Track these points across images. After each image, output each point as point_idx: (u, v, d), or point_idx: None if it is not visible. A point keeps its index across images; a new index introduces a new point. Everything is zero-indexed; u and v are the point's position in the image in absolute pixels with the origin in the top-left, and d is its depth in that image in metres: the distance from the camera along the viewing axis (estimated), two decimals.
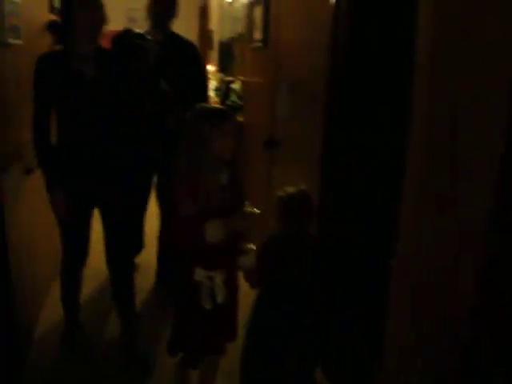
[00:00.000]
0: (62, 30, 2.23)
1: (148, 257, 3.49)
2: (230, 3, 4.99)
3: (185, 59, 2.94)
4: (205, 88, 3.18)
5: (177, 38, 2.98)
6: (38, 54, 2.80)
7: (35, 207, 2.65)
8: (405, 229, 1.56)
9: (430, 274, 1.42)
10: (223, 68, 5.32)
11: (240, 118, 3.81)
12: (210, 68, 5.31)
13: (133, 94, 2.36)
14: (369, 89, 2.24)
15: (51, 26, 2.21)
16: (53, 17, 3.33)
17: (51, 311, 2.90)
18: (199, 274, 1.86)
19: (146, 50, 2.34)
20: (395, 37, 2.18)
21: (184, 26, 3.47)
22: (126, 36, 2.45)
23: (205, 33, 6.85)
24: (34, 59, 2.70)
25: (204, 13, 7.11)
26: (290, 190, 2.01)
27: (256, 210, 1.87)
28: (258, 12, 3.62)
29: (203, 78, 3.13)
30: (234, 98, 4.15)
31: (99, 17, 2.21)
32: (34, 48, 2.75)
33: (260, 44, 3.56)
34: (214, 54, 5.95)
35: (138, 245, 3.44)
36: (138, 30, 2.57)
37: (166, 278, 3.29)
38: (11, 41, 2.16)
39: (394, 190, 2.12)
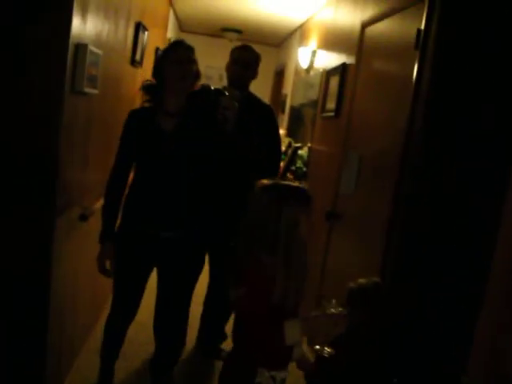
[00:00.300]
0: (154, 88, 2.28)
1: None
2: (305, 70, 5.03)
3: (261, 120, 2.87)
4: (279, 151, 3.06)
5: (254, 99, 2.94)
6: (111, 104, 2.89)
7: (83, 253, 2.61)
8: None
9: None
10: (292, 133, 5.31)
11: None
12: (280, 131, 5.31)
13: (211, 150, 2.30)
14: (443, 175, 2.09)
15: (145, 87, 2.30)
16: (134, 69, 3.46)
17: (86, 361, 2.79)
18: (263, 375, 1.63)
19: (225, 107, 2.32)
20: (477, 125, 2.04)
21: (259, 87, 3.48)
22: (204, 92, 2.45)
23: (278, 96, 6.95)
24: (107, 108, 2.78)
25: (279, 77, 7.25)
26: (362, 281, 1.87)
27: (343, 311, 1.58)
28: (334, 82, 3.60)
29: (278, 141, 3.01)
30: (299, 164, 4.07)
31: (190, 72, 2.22)
32: (109, 98, 2.83)
33: (332, 113, 3.51)
34: (285, 118, 5.99)
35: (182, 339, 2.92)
36: (214, 87, 2.57)
37: (206, 344, 3.15)
38: (87, 90, 2.20)
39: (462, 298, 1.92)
